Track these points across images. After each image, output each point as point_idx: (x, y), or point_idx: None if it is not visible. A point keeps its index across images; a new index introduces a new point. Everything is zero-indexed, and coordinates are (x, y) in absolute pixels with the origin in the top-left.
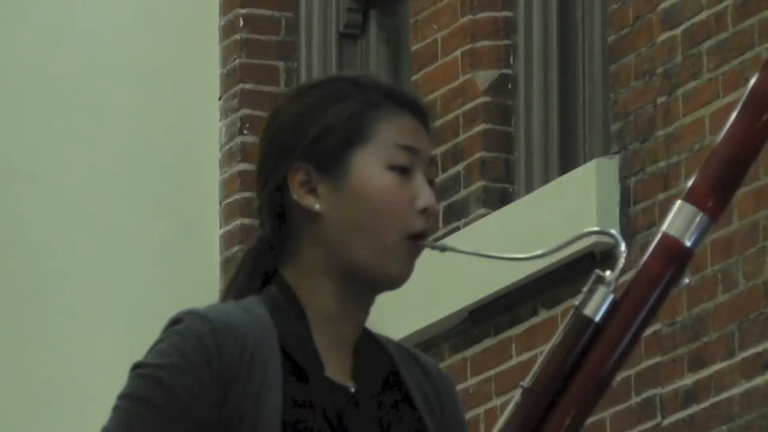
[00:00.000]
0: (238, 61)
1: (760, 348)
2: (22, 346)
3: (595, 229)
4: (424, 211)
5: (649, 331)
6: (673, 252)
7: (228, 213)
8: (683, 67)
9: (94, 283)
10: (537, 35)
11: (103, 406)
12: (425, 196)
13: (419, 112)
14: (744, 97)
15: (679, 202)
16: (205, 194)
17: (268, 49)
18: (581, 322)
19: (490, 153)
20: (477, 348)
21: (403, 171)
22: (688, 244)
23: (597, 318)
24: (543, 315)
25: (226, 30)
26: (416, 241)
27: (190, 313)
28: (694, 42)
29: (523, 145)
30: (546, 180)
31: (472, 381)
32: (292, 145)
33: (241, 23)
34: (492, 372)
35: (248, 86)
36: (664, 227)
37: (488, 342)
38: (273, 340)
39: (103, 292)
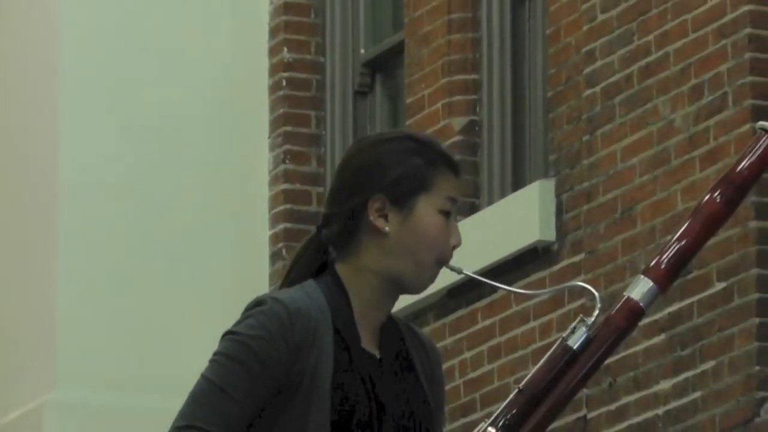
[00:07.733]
0: (281, 110)
1: (656, 316)
2: (126, 330)
3: (581, 284)
4: (454, 246)
5: (576, 304)
6: (631, 311)
7: (274, 220)
8: (601, 115)
9: (180, 272)
10: (496, 92)
11: (179, 381)
12: (457, 236)
13: (459, 171)
14: (696, 210)
15: (641, 275)
16: (257, 206)
17: (303, 102)
18: (565, 349)
19: (462, 177)
20: (453, 316)
21: (446, 214)
22: (642, 305)
23: (575, 347)
24: (500, 293)
25: (273, 88)
26: (441, 265)
27: (272, 298)
28: (609, 96)
29: (486, 171)
30: (502, 195)
31: (449, 340)
32: (374, 180)
33: (284, 83)
34: (464, 333)
35: (289, 128)
36: (628, 292)
37: (461, 312)
38: (328, 320)
39: (185, 277)
